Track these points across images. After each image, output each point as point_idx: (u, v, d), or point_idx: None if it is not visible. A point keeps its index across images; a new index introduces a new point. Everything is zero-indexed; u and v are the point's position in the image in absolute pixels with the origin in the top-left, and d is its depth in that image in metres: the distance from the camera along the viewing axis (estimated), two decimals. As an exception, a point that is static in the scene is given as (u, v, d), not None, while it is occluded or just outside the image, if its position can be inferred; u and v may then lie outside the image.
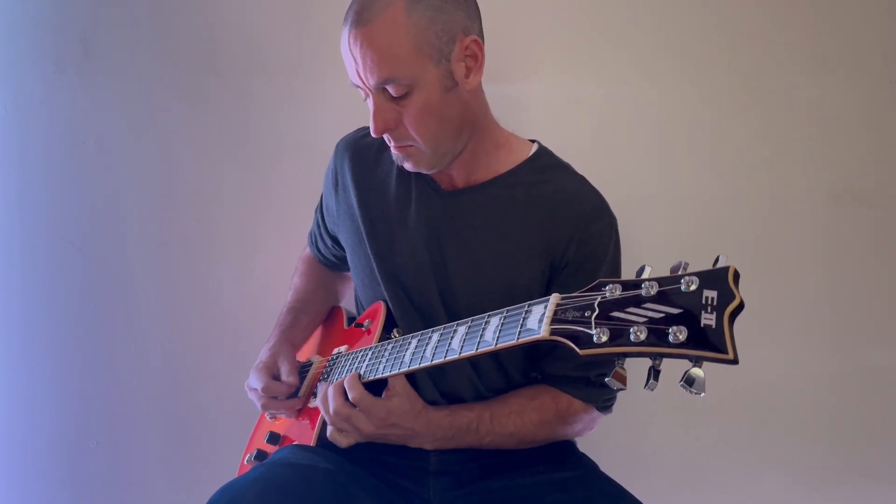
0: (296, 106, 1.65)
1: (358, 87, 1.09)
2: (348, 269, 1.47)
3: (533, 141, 1.24)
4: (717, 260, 0.73)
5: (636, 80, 1.62)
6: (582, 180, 1.20)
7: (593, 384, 1.13)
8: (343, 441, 1.10)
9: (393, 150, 1.14)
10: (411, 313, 1.19)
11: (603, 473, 1.13)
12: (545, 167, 1.20)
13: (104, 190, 1.67)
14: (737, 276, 0.71)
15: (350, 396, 1.06)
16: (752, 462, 1.64)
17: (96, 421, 1.70)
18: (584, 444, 1.25)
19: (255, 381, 1.23)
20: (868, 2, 1.60)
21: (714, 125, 1.62)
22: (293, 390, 1.22)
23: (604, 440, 1.29)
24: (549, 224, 1.14)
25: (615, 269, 1.18)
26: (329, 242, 1.40)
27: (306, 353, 1.40)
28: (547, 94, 1.62)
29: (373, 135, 1.09)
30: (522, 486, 1.09)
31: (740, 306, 0.69)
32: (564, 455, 1.19)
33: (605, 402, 1.17)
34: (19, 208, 1.67)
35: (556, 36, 1.62)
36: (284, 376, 1.22)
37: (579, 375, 1.13)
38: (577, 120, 1.63)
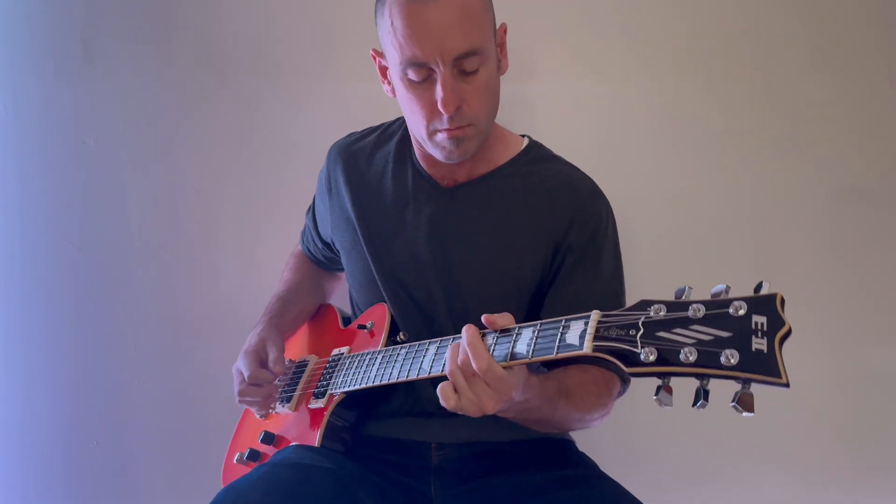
0: (296, 106, 1.65)
1: (421, 65, 1.04)
2: (338, 269, 1.48)
3: (523, 136, 1.27)
4: (759, 285, 0.74)
5: (637, 80, 1.62)
6: (574, 168, 1.23)
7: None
8: (453, 403, 0.91)
9: (445, 135, 1.09)
10: (412, 311, 1.19)
11: (602, 472, 1.13)
12: (538, 158, 1.23)
13: (104, 190, 1.67)
14: (783, 302, 0.72)
15: (476, 366, 0.89)
16: (751, 461, 1.64)
17: (96, 421, 1.70)
18: (584, 444, 1.25)
19: (241, 365, 1.23)
20: (870, 1, 1.60)
21: (716, 124, 1.62)
22: (277, 377, 1.23)
23: (603, 440, 1.29)
24: (549, 210, 1.16)
25: (616, 249, 1.20)
26: (320, 245, 1.42)
27: (297, 350, 1.40)
28: (548, 93, 1.63)
29: (446, 113, 1.05)
30: (524, 484, 1.09)
31: (789, 332, 0.71)
32: (565, 454, 1.19)
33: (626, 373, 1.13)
34: (19, 208, 1.67)
35: (557, 35, 1.62)
36: (271, 363, 1.22)
37: None
38: (578, 119, 1.63)
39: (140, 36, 1.64)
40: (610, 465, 1.15)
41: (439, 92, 1.04)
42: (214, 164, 1.67)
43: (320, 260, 1.46)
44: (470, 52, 1.04)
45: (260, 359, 1.23)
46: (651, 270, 1.46)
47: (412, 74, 1.06)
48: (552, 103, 1.63)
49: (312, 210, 1.42)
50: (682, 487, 1.65)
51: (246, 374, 1.21)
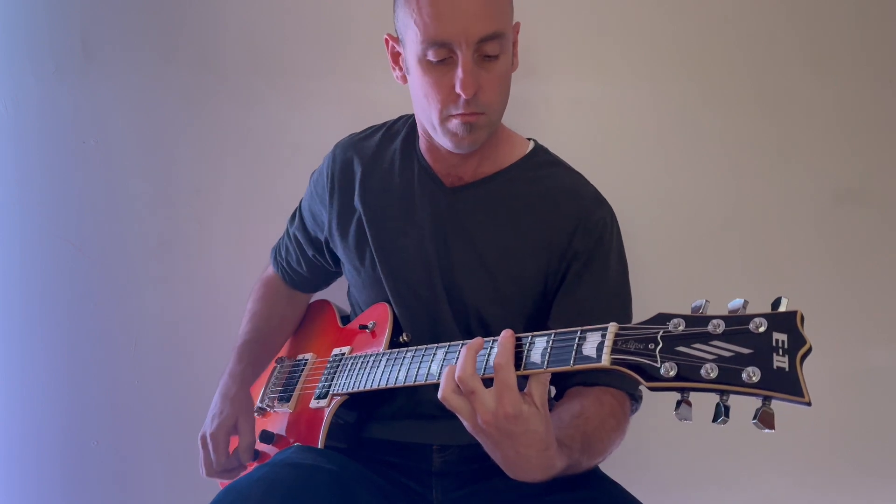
0: (296, 106, 1.65)
1: (443, 44, 1.04)
2: (310, 290, 1.45)
3: (529, 139, 1.26)
4: (777, 301, 0.74)
5: (637, 80, 1.62)
6: (579, 175, 1.23)
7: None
8: (453, 402, 0.89)
9: (459, 120, 1.08)
10: (416, 310, 1.19)
11: (604, 473, 1.13)
12: (543, 163, 1.22)
13: (104, 190, 1.67)
14: (803, 319, 0.72)
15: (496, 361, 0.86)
16: (752, 462, 1.64)
17: (97, 421, 1.70)
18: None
19: (210, 446, 1.21)
20: (869, 2, 1.60)
21: (716, 124, 1.62)
22: (244, 465, 1.22)
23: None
24: (552, 216, 1.16)
25: (622, 256, 1.19)
26: (310, 252, 1.37)
27: (295, 348, 1.39)
28: (547, 93, 1.63)
29: (464, 95, 1.04)
30: (525, 485, 1.08)
31: (809, 350, 0.71)
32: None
33: (638, 391, 1.12)
34: (19, 208, 1.67)
35: (557, 34, 1.62)
36: (242, 451, 1.21)
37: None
38: (577, 120, 1.63)
39: (140, 36, 1.64)
40: (611, 467, 1.15)
41: (459, 74, 1.04)
42: (214, 163, 1.67)
43: (300, 276, 1.41)
44: (494, 34, 1.04)
45: (229, 439, 1.22)
46: (651, 269, 1.47)
47: (432, 55, 1.05)
48: (555, 105, 1.63)
49: (299, 216, 1.39)
50: (683, 489, 1.65)
51: (214, 463, 1.21)
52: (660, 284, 1.51)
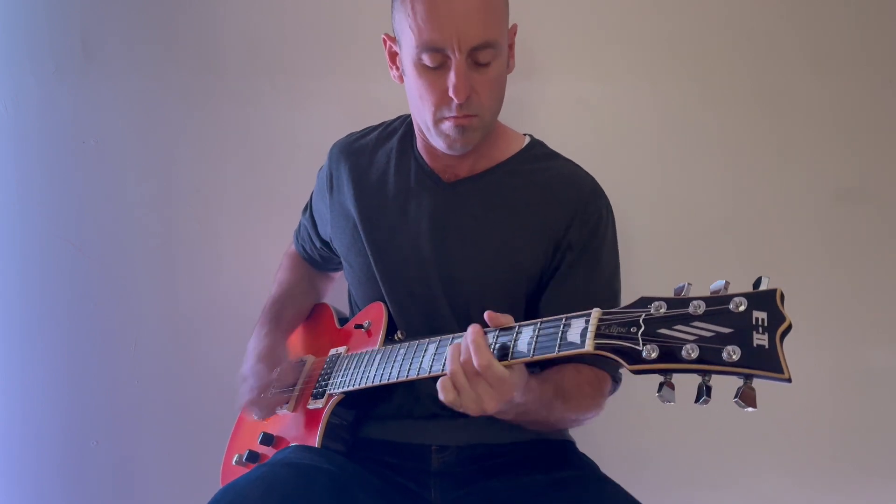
0: (296, 106, 1.65)
1: (437, 50, 1.05)
2: (331, 269, 1.49)
3: (525, 134, 1.28)
4: (758, 281, 0.75)
5: (638, 79, 1.62)
6: (576, 166, 1.24)
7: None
8: (455, 401, 0.91)
9: (452, 123, 1.10)
10: (411, 307, 1.20)
11: (603, 474, 1.13)
12: (540, 156, 1.24)
13: (104, 190, 1.67)
14: (783, 297, 0.73)
15: (476, 363, 0.89)
16: (752, 462, 1.64)
17: (96, 420, 1.70)
18: (584, 445, 1.25)
19: (252, 374, 1.22)
20: (868, 2, 1.60)
21: (716, 124, 1.62)
22: (291, 385, 1.23)
23: (604, 441, 1.29)
24: (549, 207, 1.17)
25: (615, 248, 1.21)
26: (318, 244, 1.42)
27: (293, 350, 1.39)
28: (548, 93, 1.63)
29: (457, 99, 1.06)
30: (523, 486, 1.09)
31: (789, 328, 0.71)
32: (565, 455, 1.19)
33: (619, 372, 1.15)
34: (19, 208, 1.67)
35: (558, 34, 1.62)
36: (282, 373, 1.22)
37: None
38: (577, 120, 1.63)
39: (140, 36, 1.64)
40: (611, 467, 1.15)
41: (452, 79, 1.05)
42: (214, 163, 1.67)
43: (315, 259, 1.46)
44: (487, 43, 1.05)
45: (273, 367, 1.24)
46: (649, 269, 1.47)
47: (426, 59, 1.06)
48: (553, 103, 1.63)
49: (310, 209, 1.42)
50: (683, 489, 1.65)
51: (259, 384, 1.21)
52: (658, 284, 1.49)
